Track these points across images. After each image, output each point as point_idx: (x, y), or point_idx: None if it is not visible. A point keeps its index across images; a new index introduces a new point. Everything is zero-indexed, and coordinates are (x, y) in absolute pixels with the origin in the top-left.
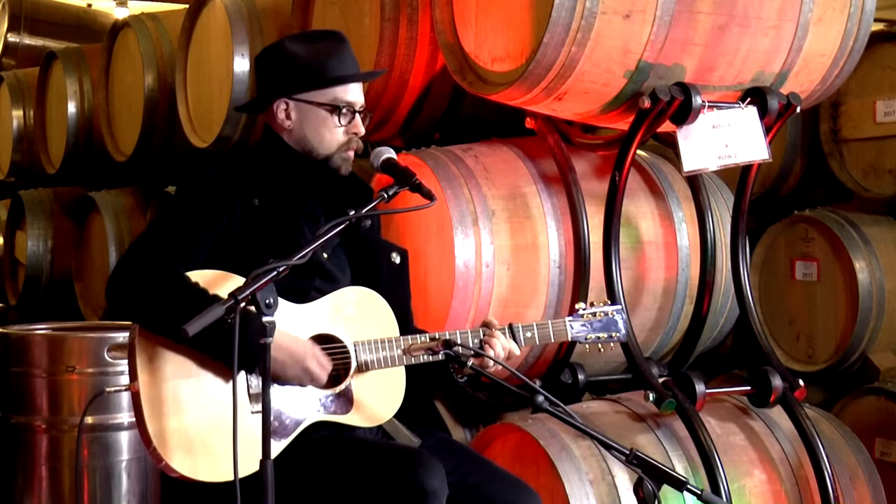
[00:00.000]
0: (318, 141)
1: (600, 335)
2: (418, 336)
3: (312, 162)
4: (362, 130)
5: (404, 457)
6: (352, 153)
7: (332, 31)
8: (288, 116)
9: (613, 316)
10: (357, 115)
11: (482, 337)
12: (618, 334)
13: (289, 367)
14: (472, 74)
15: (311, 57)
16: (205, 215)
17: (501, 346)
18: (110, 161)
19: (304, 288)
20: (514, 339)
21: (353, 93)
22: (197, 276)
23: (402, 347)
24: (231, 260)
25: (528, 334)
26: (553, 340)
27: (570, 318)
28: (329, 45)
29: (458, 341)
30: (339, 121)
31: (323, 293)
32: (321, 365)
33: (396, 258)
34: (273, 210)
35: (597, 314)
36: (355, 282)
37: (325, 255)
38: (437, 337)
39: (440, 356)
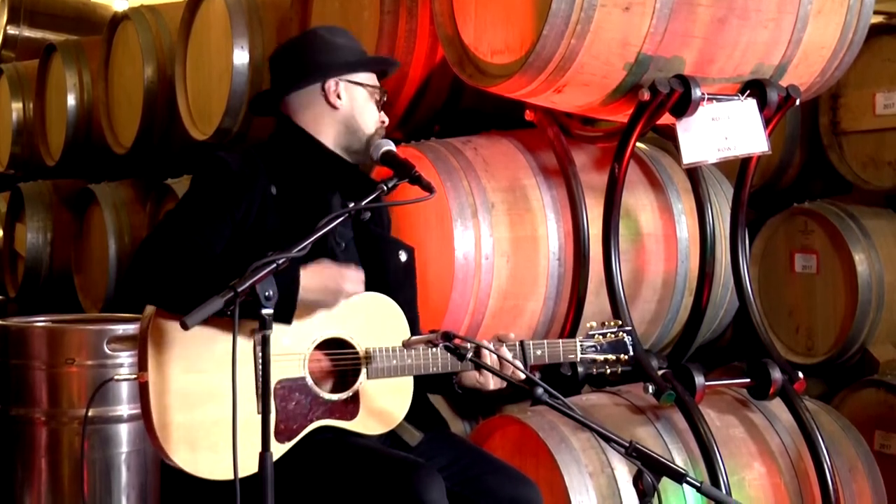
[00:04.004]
0: (364, 121)
1: (609, 357)
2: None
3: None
4: (386, 119)
5: (404, 469)
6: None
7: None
8: (339, 96)
9: (623, 337)
10: None
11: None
12: (625, 356)
13: (331, 301)
14: (471, 67)
15: (351, 43)
16: (223, 204)
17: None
18: (110, 153)
19: None
20: (524, 355)
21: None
22: None
23: (411, 353)
24: (246, 249)
25: (539, 352)
26: (563, 360)
27: (581, 338)
28: (349, 37)
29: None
30: (377, 104)
31: None
32: (357, 282)
33: (403, 256)
34: (291, 200)
35: (607, 335)
36: (366, 279)
37: (342, 247)
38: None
39: (439, 349)
